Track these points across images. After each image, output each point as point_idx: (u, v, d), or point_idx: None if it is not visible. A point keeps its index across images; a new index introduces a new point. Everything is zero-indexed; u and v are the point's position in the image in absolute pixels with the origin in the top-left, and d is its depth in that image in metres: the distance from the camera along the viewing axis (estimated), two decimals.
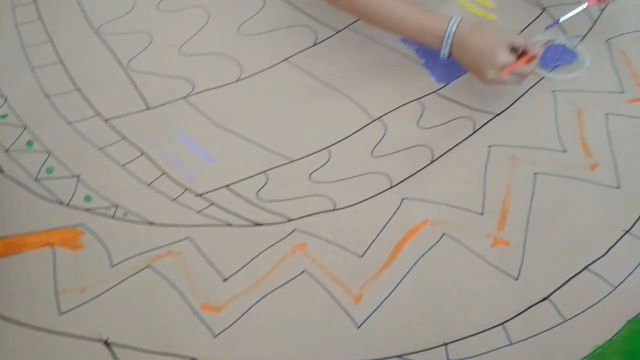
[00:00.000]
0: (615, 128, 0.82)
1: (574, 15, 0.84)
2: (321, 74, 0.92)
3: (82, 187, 0.80)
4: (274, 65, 0.94)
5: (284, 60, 0.94)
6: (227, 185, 0.80)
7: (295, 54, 0.95)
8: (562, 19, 0.85)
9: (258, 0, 1.03)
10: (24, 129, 0.86)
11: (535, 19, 0.96)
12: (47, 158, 0.83)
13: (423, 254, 0.73)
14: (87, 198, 0.79)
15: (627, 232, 0.73)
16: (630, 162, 0.79)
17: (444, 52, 0.82)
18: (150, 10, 1.02)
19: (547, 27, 0.87)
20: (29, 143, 0.85)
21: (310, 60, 0.94)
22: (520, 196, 0.77)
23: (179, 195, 0.79)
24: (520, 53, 0.79)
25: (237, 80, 0.92)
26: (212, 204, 0.78)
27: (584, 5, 0.85)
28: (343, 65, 0.93)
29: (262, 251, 0.74)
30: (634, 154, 0.80)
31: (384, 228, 0.76)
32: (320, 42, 0.97)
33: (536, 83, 0.88)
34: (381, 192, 0.79)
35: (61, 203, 0.79)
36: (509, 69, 0.76)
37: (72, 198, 0.80)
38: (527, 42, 0.78)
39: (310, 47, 0.96)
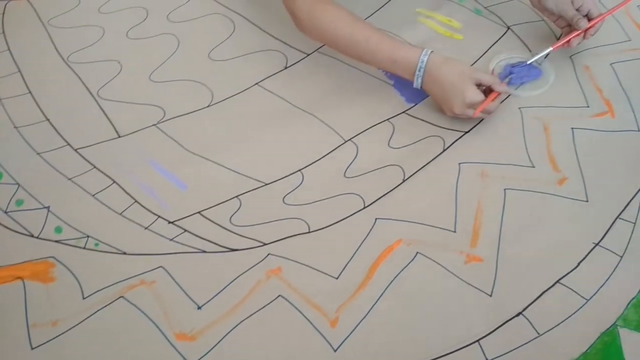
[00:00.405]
0: (581, 142, 0.84)
1: (537, 34, 0.86)
2: (292, 97, 0.93)
3: (53, 218, 0.79)
4: (245, 90, 0.94)
5: (254, 85, 0.95)
6: (200, 212, 0.79)
7: (266, 78, 0.96)
8: (529, 61, 0.91)
9: (228, 26, 1.04)
10: None
11: (500, 38, 0.98)
12: (17, 190, 0.82)
13: (398, 274, 0.73)
14: (58, 229, 0.78)
15: (596, 244, 0.74)
16: (597, 175, 0.80)
17: (417, 83, 0.85)
18: (119, 38, 1.02)
19: (509, 83, 0.91)
20: None
21: (281, 83, 0.95)
22: (491, 212, 0.77)
23: (151, 224, 0.78)
24: (485, 89, 0.84)
25: (208, 106, 0.92)
26: (184, 231, 0.77)
27: (550, 49, 0.89)
28: (314, 88, 0.94)
29: (237, 277, 0.73)
30: (600, 167, 0.81)
31: (358, 249, 0.76)
32: (291, 65, 0.97)
33: (503, 101, 0.89)
34: (355, 213, 0.79)
35: (31, 235, 0.78)
36: (479, 108, 0.82)
37: (42, 230, 0.78)
38: (493, 80, 0.82)
39: (280, 71, 0.97)
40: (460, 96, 0.82)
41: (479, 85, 0.83)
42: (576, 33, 0.89)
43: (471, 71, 0.83)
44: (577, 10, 0.89)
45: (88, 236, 0.77)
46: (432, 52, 0.84)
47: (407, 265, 0.74)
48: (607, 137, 0.85)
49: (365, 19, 1.03)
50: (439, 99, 0.86)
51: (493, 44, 0.98)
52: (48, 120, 0.91)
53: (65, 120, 0.90)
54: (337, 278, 0.73)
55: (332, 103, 0.92)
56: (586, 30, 0.89)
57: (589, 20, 0.88)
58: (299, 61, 0.98)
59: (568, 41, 0.90)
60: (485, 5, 1.04)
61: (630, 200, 0.78)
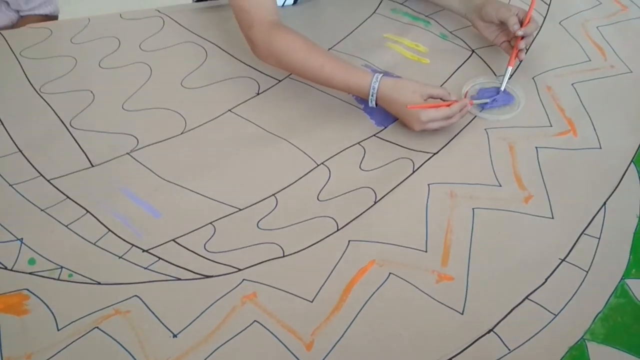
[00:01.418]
0: (545, 160, 0.87)
1: (500, 57, 0.89)
2: (265, 122, 0.94)
3: (26, 250, 0.79)
4: (217, 117, 0.96)
5: (227, 111, 0.96)
6: (174, 239, 0.80)
7: (239, 105, 0.97)
8: (502, 88, 0.95)
9: (200, 54, 1.05)
10: None
11: (465, 61, 1.02)
12: None
13: (372, 295, 0.74)
14: (31, 261, 0.78)
15: (563, 260, 0.76)
16: (562, 193, 0.83)
17: (371, 104, 0.89)
18: (92, 68, 1.03)
19: (482, 109, 0.95)
20: None
21: (254, 110, 0.96)
22: (460, 231, 0.79)
23: (125, 252, 0.78)
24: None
25: (181, 133, 0.93)
26: (159, 259, 0.78)
27: (510, 69, 0.94)
28: (285, 113, 0.95)
29: (212, 304, 0.73)
30: (564, 184, 0.84)
31: (332, 271, 0.77)
32: (263, 92, 0.99)
33: (469, 122, 0.92)
34: (328, 236, 0.80)
35: (5, 268, 0.77)
36: (432, 124, 0.86)
37: (15, 262, 0.78)
38: (443, 92, 0.86)
39: (252, 97, 0.98)
40: (415, 115, 0.85)
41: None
42: (517, 40, 0.93)
43: (421, 88, 0.86)
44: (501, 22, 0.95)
45: (62, 267, 0.77)
46: (382, 76, 0.87)
47: (380, 286, 0.75)
48: (570, 155, 0.88)
49: (335, 44, 1.06)
50: (400, 119, 0.90)
51: (459, 67, 1.01)
52: (20, 151, 0.91)
53: (38, 151, 0.90)
54: (311, 301, 0.74)
55: (303, 128, 0.93)
56: (522, 31, 0.93)
57: (521, 24, 0.93)
58: (270, 87, 1.00)
59: (517, 51, 0.94)
60: (450, 30, 1.08)
61: (594, 216, 0.80)
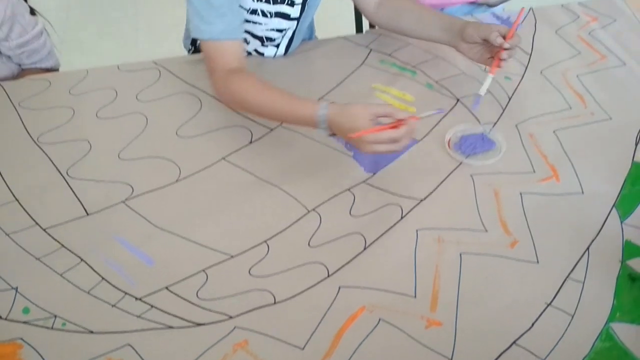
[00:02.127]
0: (529, 206, 0.89)
1: (484, 105, 0.92)
2: (257, 170, 0.97)
3: (21, 298, 0.80)
4: (211, 165, 0.98)
5: (221, 159, 0.99)
6: (167, 287, 0.81)
7: (232, 153, 1.00)
8: (481, 91, 0.98)
9: (195, 104, 1.08)
10: None
11: (451, 109, 1.05)
12: None
13: (362, 342, 0.75)
14: (26, 310, 0.79)
15: (549, 304, 0.78)
16: (546, 238, 0.85)
17: (326, 134, 0.90)
18: (89, 118, 1.06)
19: (474, 106, 1.00)
20: None
21: (247, 158, 0.99)
22: (448, 277, 0.81)
23: (119, 301, 0.79)
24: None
25: (175, 181, 0.95)
26: (152, 307, 0.79)
27: (491, 77, 0.98)
28: (277, 161, 0.98)
29: (204, 352, 0.74)
30: (548, 229, 0.86)
31: (323, 318, 0.78)
32: (255, 140, 1.02)
33: (455, 168, 0.95)
34: (319, 282, 0.82)
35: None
36: (379, 146, 0.83)
37: (10, 311, 0.79)
38: (389, 110, 0.85)
39: (246, 145, 1.01)
40: (361, 142, 0.84)
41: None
42: (499, 50, 0.97)
43: (366, 110, 0.85)
44: (485, 40, 0.98)
45: (55, 316, 0.78)
46: (331, 103, 0.89)
47: (370, 333, 0.76)
48: (553, 201, 0.90)
49: (326, 94, 1.09)
50: (350, 143, 0.90)
51: (444, 115, 1.04)
52: (17, 200, 0.92)
53: (35, 200, 0.92)
54: (302, 349, 0.75)
55: (295, 175, 0.96)
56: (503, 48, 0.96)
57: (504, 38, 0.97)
58: (263, 136, 1.02)
59: (498, 60, 0.97)
60: (436, 80, 1.12)
61: (578, 261, 0.82)
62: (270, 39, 1.15)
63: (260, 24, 1.11)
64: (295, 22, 1.13)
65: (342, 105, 0.87)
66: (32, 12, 1.28)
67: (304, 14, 1.13)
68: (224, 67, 0.99)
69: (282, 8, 1.09)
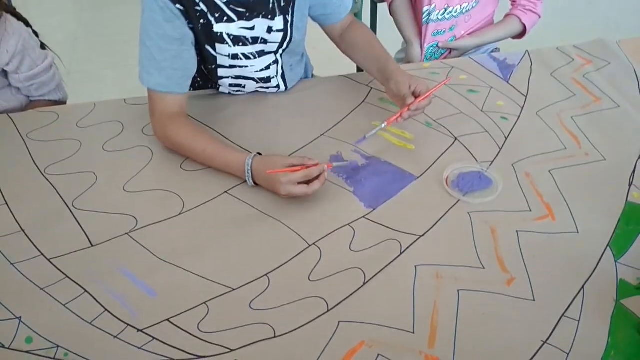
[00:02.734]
0: (526, 244, 0.91)
1: (481, 144, 0.95)
2: (259, 204, 0.99)
3: (24, 328, 0.81)
4: (214, 198, 1.00)
5: (224, 193, 1.01)
6: (169, 319, 0.82)
7: (235, 186, 1.02)
8: (367, 135, 1.05)
9: None
10: None
11: (449, 148, 1.08)
12: None
13: None
14: (28, 339, 0.80)
15: (545, 342, 0.79)
16: (542, 275, 0.87)
17: (249, 182, 1.00)
18: (95, 151, 1.09)
19: (356, 143, 1.07)
20: None
21: (249, 191, 1.01)
22: (446, 313, 0.82)
23: (120, 332, 0.80)
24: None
25: (179, 214, 0.97)
26: (153, 339, 0.79)
27: (384, 125, 1.05)
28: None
29: None
30: (544, 267, 0.88)
31: (322, 352, 0.78)
32: None
33: (453, 206, 0.97)
34: (319, 316, 0.83)
35: (2, 346, 0.79)
36: (293, 188, 0.94)
37: (13, 340, 0.80)
38: (302, 160, 0.96)
39: None
40: (276, 179, 0.95)
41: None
42: (401, 111, 1.05)
43: (283, 160, 0.96)
44: (413, 92, 1.06)
45: (58, 346, 0.79)
46: (255, 155, 0.99)
47: None
48: (549, 239, 0.92)
49: (327, 131, 1.12)
50: (269, 189, 0.99)
51: (442, 153, 1.07)
52: (23, 230, 0.94)
53: (40, 231, 0.94)
54: None
55: (296, 209, 0.98)
56: (410, 105, 1.04)
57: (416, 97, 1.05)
58: None
59: (400, 115, 1.04)
60: (434, 119, 1.15)
61: (574, 299, 0.83)
62: (263, 79, 1.19)
63: (247, 66, 1.15)
64: (274, 55, 1.16)
65: (263, 156, 0.99)
66: (43, 46, 1.32)
67: (284, 47, 1.16)
68: (162, 113, 1.07)
69: (258, 47, 1.13)
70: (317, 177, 0.96)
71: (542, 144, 1.09)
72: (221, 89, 1.23)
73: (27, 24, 1.29)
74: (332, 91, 1.25)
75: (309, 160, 0.96)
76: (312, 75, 1.41)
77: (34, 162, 1.07)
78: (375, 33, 1.68)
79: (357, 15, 1.62)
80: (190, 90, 1.10)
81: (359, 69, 1.60)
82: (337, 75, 1.29)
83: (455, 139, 1.10)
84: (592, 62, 1.32)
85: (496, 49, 1.57)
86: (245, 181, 1.01)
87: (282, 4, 1.09)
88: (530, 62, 1.32)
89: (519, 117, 1.16)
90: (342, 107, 1.19)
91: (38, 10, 3.00)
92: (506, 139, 1.11)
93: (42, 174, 1.04)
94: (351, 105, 1.20)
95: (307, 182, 0.96)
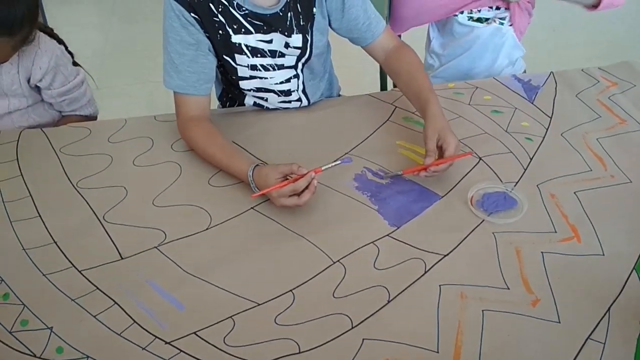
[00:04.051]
0: (551, 265, 0.91)
1: (506, 164, 0.96)
2: (284, 220, 1.00)
3: (55, 338, 0.83)
4: (241, 214, 1.02)
5: (250, 209, 1.03)
6: (196, 332, 0.83)
7: (261, 202, 1.04)
8: (384, 175, 1.07)
9: None
10: (1, 281, 0.90)
11: (473, 168, 1.09)
12: (22, 310, 0.86)
13: None
14: (59, 349, 0.82)
15: None
16: (567, 297, 0.86)
17: (256, 191, 1.01)
18: (126, 166, 1.11)
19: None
20: (5, 296, 0.88)
21: (275, 207, 1.02)
22: (471, 333, 0.82)
23: (149, 344, 0.82)
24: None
25: (206, 229, 0.99)
26: (180, 352, 0.81)
27: (400, 173, 1.06)
28: (304, 211, 1.01)
29: None
30: (570, 289, 0.88)
31: None
32: None
33: (478, 225, 0.97)
34: (343, 333, 0.83)
35: (34, 355, 0.81)
36: (284, 200, 0.97)
37: (44, 350, 0.82)
38: (292, 168, 0.98)
39: None
40: (270, 195, 0.98)
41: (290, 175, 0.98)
42: (420, 167, 1.03)
43: (274, 169, 0.98)
44: (440, 146, 1.03)
45: (88, 356, 0.81)
46: (256, 166, 1.01)
47: None
48: (574, 261, 0.92)
49: (351, 150, 1.14)
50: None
51: (467, 173, 1.08)
52: (55, 242, 0.97)
53: (72, 243, 0.97)
54: None
55: (321, 226, 0.99)
56: (427, 167, 1.01)
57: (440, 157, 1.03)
58: None
59: (417, 172, 1.03)
60: (459, 138, 1.15)
61: (599, 322, 0.83)
62: (284, 92, 1.22)
63: (266, 78, 1.18)
64: (293, 69, 1.19)
65: (261, 166, 1.02)
66: (75, 62, 1.36)
67: (303, 62, 1.18)
68: (184, 115, 1.14)
69: (277, 60, 1.16)
70: (307, 187, 0.97)
71: (568, 166, 1.09)
72: (247, 99, 1.26)
73: (60, 42, 1.33)
74: (357, 110, 1.26)
75: (299, 168, 0.97)
76: (339, 95, 1.43)
77: (66, 175, 1.10)
78: None
79: None
80: (219, 107, 1.13)
81: (383, 88, 1.62)
82: (362, 94, 1.31)
83: (480, 159, 1.11)
84: (617, 84, 1.32)
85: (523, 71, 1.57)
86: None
87: (302, 23, 1.12)
88: (555, 83, 1.32)
89: (543, 138, 1.16)
90: (367, 125, 1.21)
91: (68, 27, 3.07)
92: (531, 159, 1.11)
93: (75, 187, 1.07)
94: (376, 124, 1.21)
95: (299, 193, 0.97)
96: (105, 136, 1.19)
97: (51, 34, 1.31)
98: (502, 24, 1.43)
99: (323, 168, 1.00)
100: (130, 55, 2.90)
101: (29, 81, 1.27)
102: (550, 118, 1.22)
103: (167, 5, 1.07)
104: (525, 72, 1.56)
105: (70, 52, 1.35)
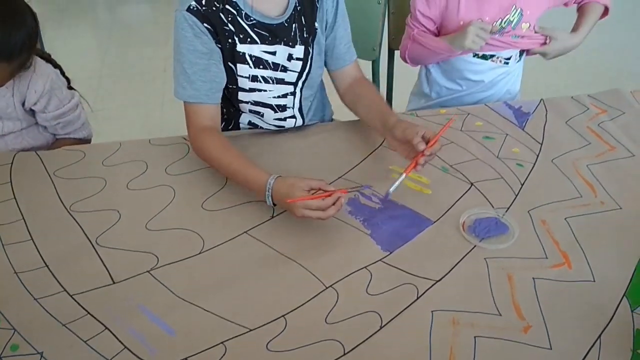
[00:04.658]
0: (542, 291, 0.91)
1: (497, 190, 0.97)
2: (277, 244, 1.01)
3: None
4: (234, 238, 1.02)
5: (243, 233, 1.03)
6: (186, 358, 0.83)
7: (254, 227, 1.04)
8: (390, 191, 1.05)
9: (221, 178, 1.14)
10: None
11: (465, 193, 1.10)
12: (13, 335, 0.85)
13: None
14: None
15: None
16: (559, 324, 0.87)
17: (269, 202, 1.02)
18: (119, 189, 1.12)
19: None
20: None
21: (268, 232, 1.03)
22: (463, 359, 0.82)
23: None
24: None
25: (199, 253, 0.99)
26: None
27: (404, 175, 1.05)
28: (297, 236, 1.02)
29: None
30: (561, 315, 0.88)
31: None
32: (277, 215, 1.06)
33: (470, 251, 0.98)
34: None
35: None
36: (309, 211, 0.96)
37: None
38: (321, 184, 0.99)
39: (267, 220, 1.05)
40: (290, 210, 0.97)
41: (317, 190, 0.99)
42: (415, 158, 1.04)
43: (301, 182, 0.98)
44: (422, 137, 1.04)
45: None
46: (279, 176, 1.01)
47: None
48: (565, 287, 0.92)
49: (345, 173, 1.15)
50: (284, 207, 1.02)
51: (459, 199, 1.09)
52: (47, 266, 0.96)
53: (64, 267, 0.96)
54: None
55: (314, 251, 0.99)
56: (424, 151, 1.03)
57: (427, 143, 1.04)
58: (284, 211, 1.07)
59: (415, 163, 1.04)
60: (451, 164, 1.17)
61: (590, 348, 0.83)
62: (280, 107, 1.24)
63: (265, 90, 1.20)
64: (292, 86, 1.22)
65: (284, 177, 1.01)
66: (70, 86, 1.37)
67: (304, 78, 1.22)
68: (196, 125, 1.14)
69: (278, 74, 1.19)
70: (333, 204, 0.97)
71: (558, 192, 1.11)
72: (242, 118, 1.28)
73: (56, 65, 1.34)
74: (350, 135, 1.28)
75: (326, 185, 0.99)
76: (332, 119, 1.45)
77: (59, 198, 1.10)
78: (392, 82, 1.73)
79: (375, 63, 1.66)
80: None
81: None
82: (355, 119, 1.32)
83: (472, 184, 1.12)
84: (606, 112, 1.34)
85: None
86: (263, 222, 1.03)
87: (305, 35, 1.17)
88: (545, 110, 1.34)
89: (534, 164, 1.18)
90: (360, 150, 1.22)
91: (65, 50, 3.10)
92: (522, 185, 1.12)
93: (68, 211, 1.07)
94: (369, 149, 1.22)
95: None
96: (100, 159, 1.19)
97: (48, 59, 1.32)
98: (506, 63, 1.45)
99: (348, 191, 1.03)
100: (126, 79, 2.92)
101: (23, 104, 1.27)
102: (541, 144, 1.23)
103: (180, 17, 1.09)
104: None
105: (67, 78, 1.36)
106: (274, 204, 1.03)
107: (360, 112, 1.26)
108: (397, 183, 1.05)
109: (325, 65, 1.28)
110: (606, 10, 1.46)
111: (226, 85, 1.20)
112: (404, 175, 1.05)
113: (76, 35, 3.50)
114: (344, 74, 1.28)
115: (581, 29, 1.44)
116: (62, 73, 1.36)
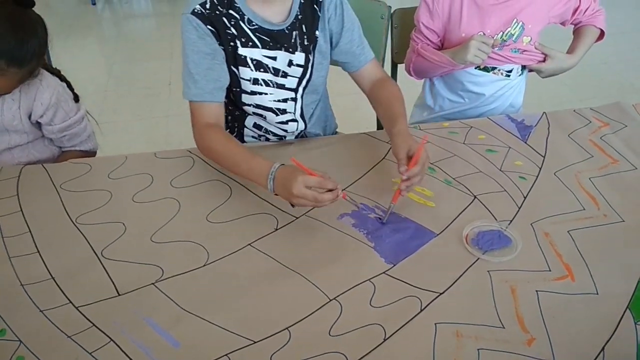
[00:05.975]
0: (545, 304, 0.92)
1: (500, 202, 0.97)
2: (281, 257, 1.01)
3: None
4: (238, 250, 1.03)
5: (247, 245, 1.04)
6: None
7: (258, 239, 1.05)
8: (385, 221, 1.07)
9: (225, 191, 1.15)
10: None
11: (468, 206, 1.10)
12: (18, 347, 0.86)
13: None
14: None
15: None
16: (562, 336, 0.87)
17: (270, 187, 1.04)
18: (125, 202, 1.13)
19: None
20: (2, 332, 0.88)
21: (272, 244, 1.03)
22: None
23: None
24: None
25: (204, 265, 1.00)
26: None
27: (393, 205, 1.07)
28: (301, 248, 1.02)
29: None
30: (564, 328, 0.88)
31: None
32: (281, 227, 1.07)
33: (473, 264, 0.98)
34: None
35: None
36: (305, 193, 0.97)
37: None
38: (321, 181, 0.99)
39: (271, 232, 1.06)
40: (293, 180, 0.98)
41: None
42: (401, 183, 1.05)
43: (301, 174, 0.99)
44: (410, 156, 1.06)
45: None
46: (282, 164, 1.04)
47: None
48: (569, 300, 0.92)
49: (348, 186, 1.16)
50: (280, 192, 1.03)
51: (462, 211, 1.09)
52: (53, 278, 0.97)
53: (69, 279, 0.97)
54: None
55: (317, 263, 1.00)
56: (403, 176, 1.04)
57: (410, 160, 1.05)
58: (288, 224, 1.08)
59: (399, 190, 1.06)
60: (454, 177, 1.18)
61: None
62: (281, 110, 1.26)
63: (266, 94, 1.23)
64: (293, 92, 1.25)
65: (287, 166, 1.04)
66: (76, 99, 1.39)
67: (304, 85, 1.25)
68: (200, 122, 1.17)
69: (278, 79, 1.23)
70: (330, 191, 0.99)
71: (561, 205, 1.11)
72: (247, 121, 1.30)
73: (62, 79, 1.36)
74: (353, 148, 1.29)
75: (326, 181, 0.99)
76: (335, 132, 1.46)
77: (66, 211, 1.11)
78: None
79: None
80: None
81: (380, 127, 1.65)
82: (358, 132, 1.34)
83: (475, 197, 1.13)
84: (609, 125, 1.34)
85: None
86: (267, 235, 1.04)
87: (306, 42, 1.20)
88: (548, 123, 1.35)
89: (537, 177, 1.18)
90: (363, 163, 1.23)
91: (72, 64, 3.13)
92: (525, 198, 1.13)
93: (74, 223, 1.08)
94: (372, 162, 1.23)
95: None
96: (106, 172, 1.20)
97: (58, 75, 1.34)
98: (508, 76, 1.47)
99: (346, 198, 1.05)
100: (132, 93, 2.95)
101: (30, 117, 1.29)
102: (544, 157, 1.24)
103: (185, 20, 1.14)
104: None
105: (75, 94, 1.38)
106: (275, 194, 1.04)
107: (379, 115, 1.28)
108: (389, 212, 1.07)
109: (345, 69, 1.31)
110: (602, 34, 1.50)
111: (231, 88, 1.23)
112: (392, 204, 1.07)
113: (82, 49, 3.54)
114: (362, 75, 1.30)
115: (577, 51, 1.48)
116: (71, 89, 1.37)
